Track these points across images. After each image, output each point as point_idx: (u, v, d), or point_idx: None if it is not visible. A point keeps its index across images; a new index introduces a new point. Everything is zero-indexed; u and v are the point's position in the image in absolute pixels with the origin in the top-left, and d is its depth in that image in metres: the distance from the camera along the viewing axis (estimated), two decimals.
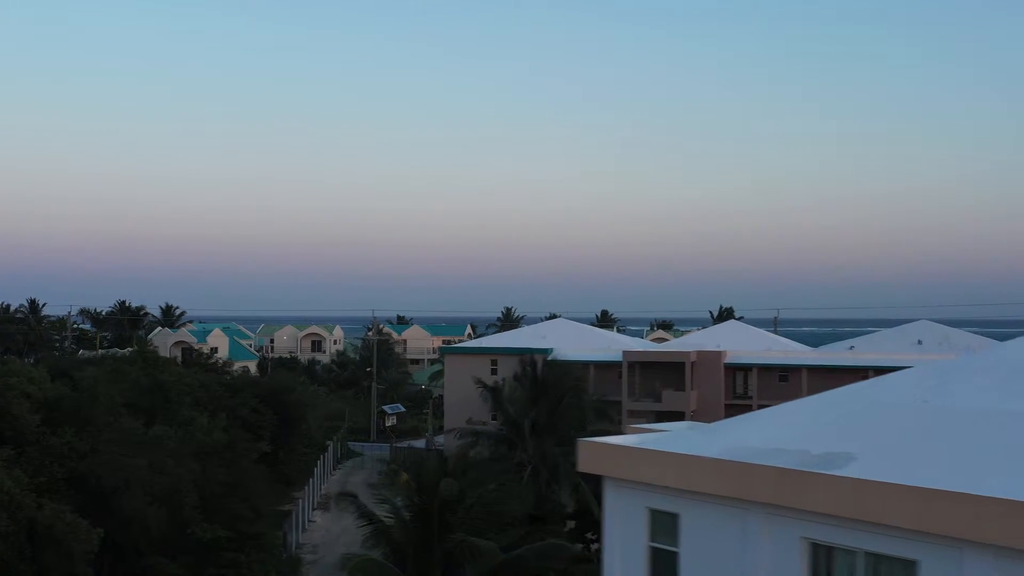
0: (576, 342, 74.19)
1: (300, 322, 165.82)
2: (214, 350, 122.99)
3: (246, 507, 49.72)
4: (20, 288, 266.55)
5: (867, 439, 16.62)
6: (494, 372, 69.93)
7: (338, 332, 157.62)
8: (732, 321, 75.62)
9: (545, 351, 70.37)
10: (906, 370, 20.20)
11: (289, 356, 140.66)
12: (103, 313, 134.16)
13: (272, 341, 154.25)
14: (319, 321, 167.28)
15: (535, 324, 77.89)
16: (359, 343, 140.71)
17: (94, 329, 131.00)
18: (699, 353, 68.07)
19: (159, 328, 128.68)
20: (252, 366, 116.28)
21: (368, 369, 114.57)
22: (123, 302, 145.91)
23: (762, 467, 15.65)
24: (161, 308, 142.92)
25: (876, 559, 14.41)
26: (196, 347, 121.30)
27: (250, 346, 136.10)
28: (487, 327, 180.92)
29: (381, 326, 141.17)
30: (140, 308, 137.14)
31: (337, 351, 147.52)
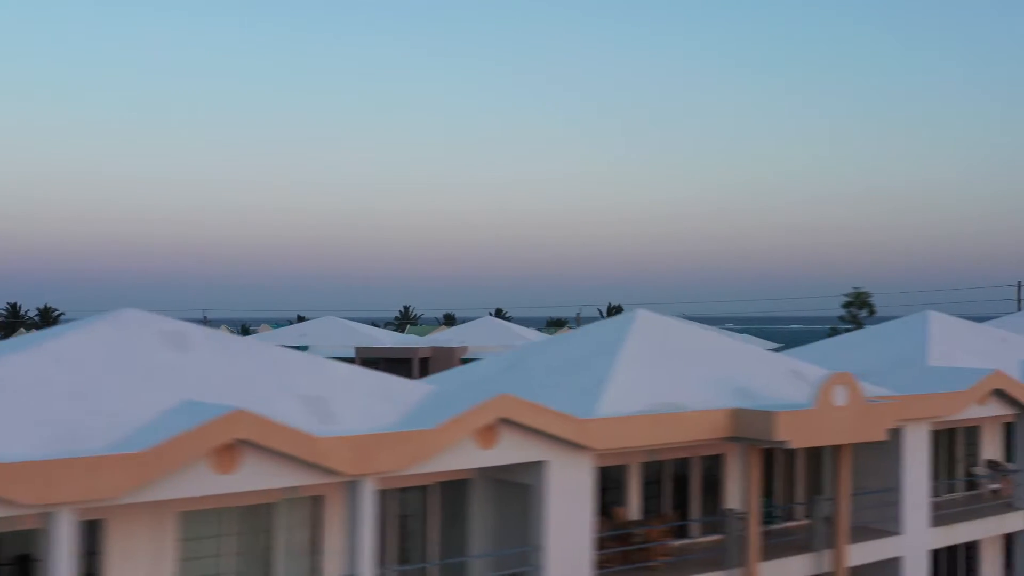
0: (338, 340, 76.81)
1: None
2: None
3: None
4: None
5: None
6: None
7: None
8: (488, 318, 78.43)
9: (301, 349, 73.42)
10: None
11: None
12: None
13: None
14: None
15: (307, 322, 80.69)
16: None
17: None
18: (434, 348, 70.62)
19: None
20: None
21: None
22: (13, 304, 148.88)
23: None
24: (39, 309, 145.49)
25: None
26: None
27: None
28: (384, 325, 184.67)
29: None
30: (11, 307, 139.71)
31: None
